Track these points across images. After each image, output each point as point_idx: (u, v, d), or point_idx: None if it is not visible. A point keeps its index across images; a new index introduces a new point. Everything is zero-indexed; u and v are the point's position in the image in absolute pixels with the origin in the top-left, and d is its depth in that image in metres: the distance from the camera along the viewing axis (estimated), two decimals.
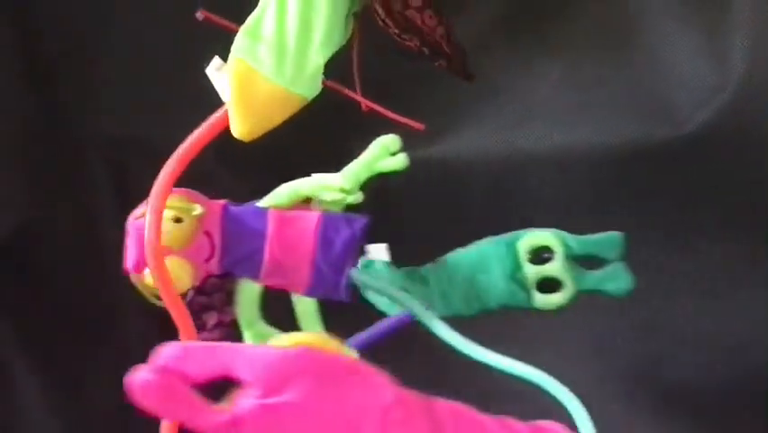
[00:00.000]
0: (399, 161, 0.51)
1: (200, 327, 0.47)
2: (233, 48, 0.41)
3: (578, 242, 0.50)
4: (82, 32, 0.73)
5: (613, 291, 0.50)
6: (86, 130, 0.75)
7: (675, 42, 0.72)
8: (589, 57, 0.74)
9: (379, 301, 0.51)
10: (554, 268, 0.50)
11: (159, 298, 0.45)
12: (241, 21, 0.43)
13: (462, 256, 0.52)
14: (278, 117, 0.42)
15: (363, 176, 0.50)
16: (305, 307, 0.50)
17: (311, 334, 0.43)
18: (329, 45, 0.42)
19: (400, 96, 0.47)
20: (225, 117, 0.43)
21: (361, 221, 0.50)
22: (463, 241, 0.72)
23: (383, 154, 0.50)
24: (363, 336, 0.48)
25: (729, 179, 0.71)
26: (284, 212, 0.49)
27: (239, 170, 0.66)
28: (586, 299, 0.51)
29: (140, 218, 0.46)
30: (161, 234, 0.45)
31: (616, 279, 0.50)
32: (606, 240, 0.51)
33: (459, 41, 0.43)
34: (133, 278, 0.46)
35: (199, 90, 0.60)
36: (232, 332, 0.50)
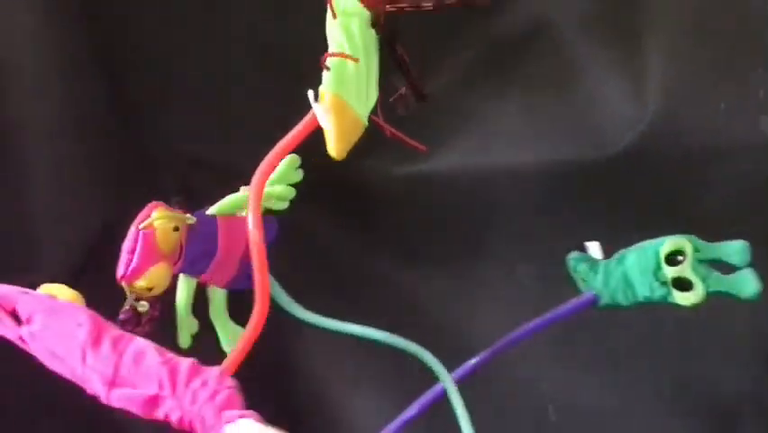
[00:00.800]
0: (299, 175, 0.54)
1: (135, 324, 0.48)
2: (329, 83, 0.45)
3: (706, 247, 0.51)
4: (166, 69, 0.77)
5: (741, 295, 0.51)
6: (161, 149, 0.79)
7: (605, 84, 0.78)
8: (540, 94, 0.79)
9: (583, 286, 0.55)
10: (684, 269, 0.51)
11: (138, 300, 0.47)
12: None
13: (624, 255, 0.53)
14: (354, 140, 0.46)
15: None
16: (217, 296, 0.52)
17: (57, 285, 0.45)
18: (377, 83, 0.47)
19: (395, 124, 0.50)
20: (306, 128, 0.46)
21: (275, 224, 0.52)
22: (451, 236, 0.79)
23: (292, 169, 0.53)
24: (549, 315, 0.54)
25: (648, 190, 0.78)
26: (227, 218, 0.51)
27: None
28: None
29: (143, 229, 0.46)
30: (165, 243, 0.47)
31: (744, 283, 0.51)
32: (731, 247, 0.51)
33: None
34: (124, 283, 0.46)
35: (256, 118, 0.70)
36: (158, 325, 0.50)
